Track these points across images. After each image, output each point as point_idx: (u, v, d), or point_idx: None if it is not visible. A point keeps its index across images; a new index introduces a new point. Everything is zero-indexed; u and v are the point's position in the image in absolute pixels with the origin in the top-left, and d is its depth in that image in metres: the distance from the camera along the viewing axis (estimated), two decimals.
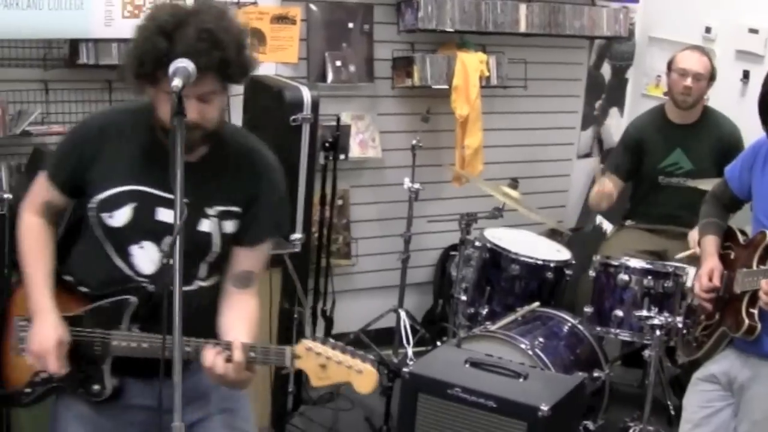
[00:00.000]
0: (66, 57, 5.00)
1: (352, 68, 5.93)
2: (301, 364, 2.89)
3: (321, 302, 5.81)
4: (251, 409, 3.35)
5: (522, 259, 5.40)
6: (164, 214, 3.02)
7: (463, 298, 5.46)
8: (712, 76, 5.69)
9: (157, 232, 3.03)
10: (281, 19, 5.64)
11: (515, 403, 4.10)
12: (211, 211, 3.08)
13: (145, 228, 3.03)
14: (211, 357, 2.89)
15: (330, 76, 5.86)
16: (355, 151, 6.06)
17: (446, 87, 6.10)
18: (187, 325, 2.71)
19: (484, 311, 5.39)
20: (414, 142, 5.69)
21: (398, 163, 6.13)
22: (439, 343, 5.37)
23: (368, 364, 2.84)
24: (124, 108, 3.24)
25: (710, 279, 4.01)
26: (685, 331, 4.30)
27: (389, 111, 6.23)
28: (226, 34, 2.88)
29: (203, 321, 3.07)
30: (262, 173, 3.16)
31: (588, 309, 5.12)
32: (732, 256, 4.05)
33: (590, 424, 4.95)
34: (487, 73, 6.24)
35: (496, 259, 5.43)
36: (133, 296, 3.05)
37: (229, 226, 3.11)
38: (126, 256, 3.06)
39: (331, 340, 2.91)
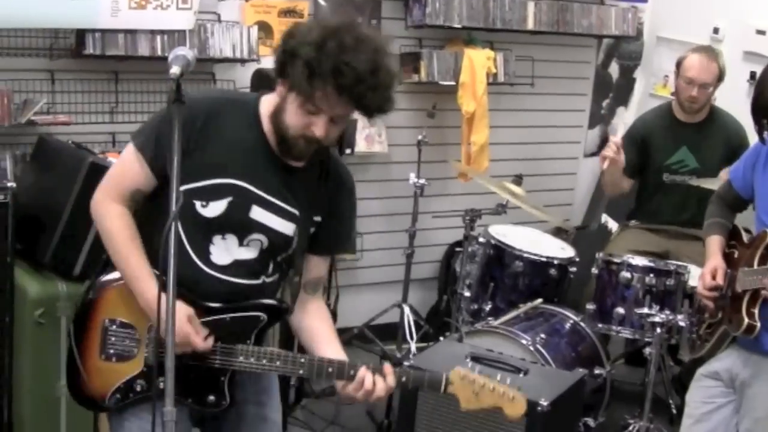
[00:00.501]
0: (72, 47, 5.01)
1: None
2: (453, 389, 3.00)
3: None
4: None
5: (526, 255, 5.38)
6: (258, 214, 3.02)
7: (467, 293, 5.44)
8: (720, 78, 5.65)
9: (244, 229, 3.03)
10: (289, 12, 5.64)
11: None
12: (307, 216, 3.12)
13: (234, 223, 3.02)
14: (370, 379, 2.98)
15: None
16: (361, 145, 6.06)
17: (453, 83, 6.10)
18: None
19: (488, 307, 5.38)
20: (420, 137, 5.68)
21: (404, 158, 6.12)
22: (442, 339, 5.36)
23: (520, 392, 2.95)
24: (228, 97, 3.22)
25: (713, 277, 4.01)
26: (691, 330, 4.30)
27: (396, 106, 6.17)
28: (390, 77, 2.88)
29: None
30: (344, 186, 3.19)
31: (590, 306, 5.10)
32: (736, 255, 4.05)
33: (591, 421, 4.93)
34: (494, 70, 6.25)
35: (500, 255, 5.41)
36: (262, 314, 3.04)
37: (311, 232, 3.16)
38: (204, 246, 3.01)
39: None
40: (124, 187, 3.06)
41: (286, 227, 3.06)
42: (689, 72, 5.60)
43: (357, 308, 6.08)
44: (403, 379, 3.00)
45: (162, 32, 5.08)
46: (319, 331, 3.19)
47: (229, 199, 3.00)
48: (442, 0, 5.92)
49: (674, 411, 5.42)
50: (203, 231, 3.01)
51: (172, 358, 2.33)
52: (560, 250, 5.62)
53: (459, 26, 6.03)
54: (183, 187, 2.88)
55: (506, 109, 6.61)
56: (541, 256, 5.41)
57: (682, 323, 4.66)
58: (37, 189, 4.56)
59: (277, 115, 2.97)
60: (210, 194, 2.99)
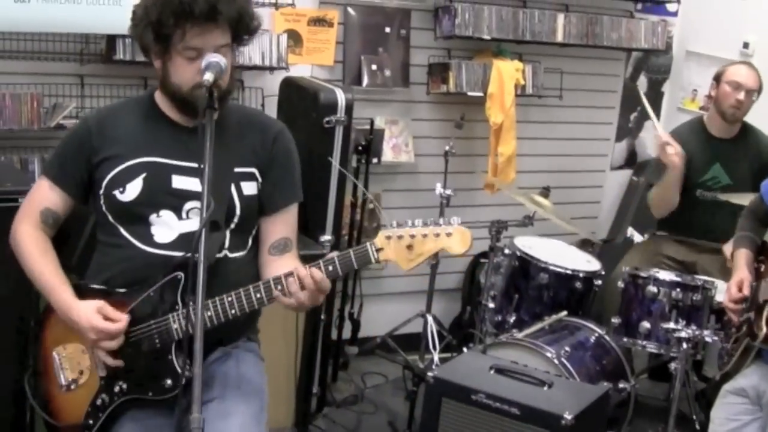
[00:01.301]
0: (102, 52, 5.03)
1: (387, 73, 5.93)
2: (385, 255, 2.83)
3: (349, 305, 5.81)
4: (271, 406, 3.32)
5: (551, 268, 5.37)
6: (180, 181, 3.05)
7: (491, 305, 5.44)
8: (759, 90, 5.64)
9: (174, 200, 3.05)
10: (318, 21, 5.64)
11: (539, 410, 4.07)
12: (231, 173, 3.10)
13: (160, 197, 3.05)
14: (294, 285, 2.88)
15: (365, 80, 5.86)
16: (388, 155, 6.06)
17: (481, 94, 6.09)
18: (215, 294, 2.81)
19: (512, 319, 5.37)
20: (447, 148, 5.67)
21: (431, 168, 6.12)
22: (465, 350, 5.35)
23: (454, 224, 2.79)
24: (124, 100, 3.34)
25: (739, 290, 4.00)
26: (721, 347, 4.29)
27: (423, 116, 6.23)
28: None
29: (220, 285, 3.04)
30: (273, 136, 3.19)
31: (615, 320, 5.08)
32: (763, 269, 4.04)
33: None
34: (522, 82, 6.23)
35: (525, 267, 5.41)
36: (179, 272, 2.98)
37: (248, 187, 3.13)
38: (144, 230, 3.04)
39: (409, 221, 2.84)
40: (33, 209, 3.18)
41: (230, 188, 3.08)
42: (737, 77, 5.58)
43: (380, 317, 6.07)
44: (330, 268, 2.88)
45: None
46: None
47: (143, 175, 3.05)
48: (472, 11, 5.91)
49: (698, 427, 5.39)
50: (135, 216, 3.05)
51: (199, 364, 2.32)
52: (586, 263, 5.60)
53: (488, 38, 6.02)
54: (102, 185, 3.06)
55: (534, 121, 6.60)
56: (567, 269, 5.39)
57: (708, 339, 4.63)
58: None
59: (164, 84, 3.05)
60: (123, 179, 3.06)
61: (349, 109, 5.04)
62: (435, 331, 5.74)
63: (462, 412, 4.22)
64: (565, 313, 5.29)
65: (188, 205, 3.05)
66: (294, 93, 5.25)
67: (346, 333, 5.84)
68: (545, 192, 5.63)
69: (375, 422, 5.50)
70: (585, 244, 6.44)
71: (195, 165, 3.03)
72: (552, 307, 5.35)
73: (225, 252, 3.11)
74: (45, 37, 4.92)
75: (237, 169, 3.11)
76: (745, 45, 6.44)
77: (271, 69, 5.42)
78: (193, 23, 2.89)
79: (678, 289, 4.96)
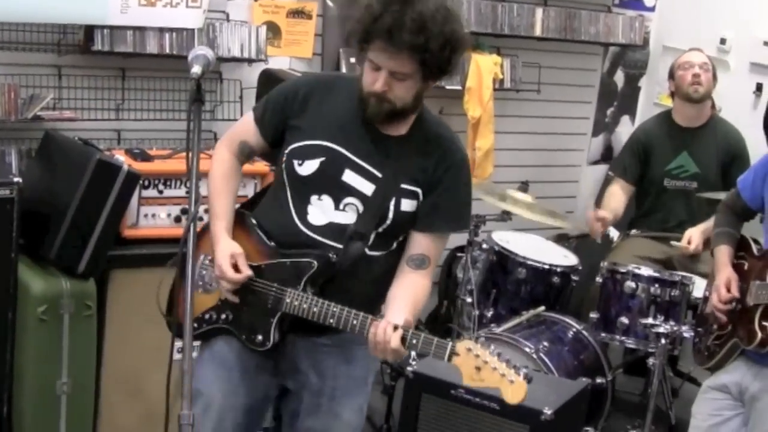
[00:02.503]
0: (80, 43, 4.98)
1: None
2: (457, 361, 2.97)
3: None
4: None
5: (529, 263, 5.39)
6: (351, 177, 3.19)
7: (469, 300, 5.45)
8: (714, 75, 5.75)
9: (338, 191, 3.20)
10: (297, 13, 5.63)
11: (519, 405, 4.05)
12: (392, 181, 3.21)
13: (328, 183, 3.20)
14: (380, 332, 3.03)
15: (344, 72, 5.84)
16: None
17: (459, 88, 6.08)
18: (345, 288, 3.06)
19: (489, 314, 5.39)
20: None
21: None
22: None
23: (521, 376, 2.93)
24: (341, 74, 3.47)
25: (728, 290, 4.00)
26: (696, 340, 4.29)
27: None
28: (435, 24, 2.98)
29: (360, 289, 3.23)
30: (449, 162, 3.25)
31: (594, 315, 5.11)
32: (745, 267, 4.04)
33: (591, 431, 4.93)
34: (500, 76, 6.24)
35: (503, 262, 5.43)
36: (315, 261, 3.17)
37: (406, 204, 3.22)
38: (303, 206, 3.22)
39: (492, 346, 2.97)
40: (233, 138, 3.43)
41: (368, 187, 3.20)
42: (684, 58, 5.82)
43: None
44: (414, 341, 3.01)
45: (171, 30, 5.06)
46: (395, 294, 3.24)
47: (322, 159, 3.20)
48: (451, 5, 5.90)
49: (673, 422, 5.42)
50: (302, 190, 3.24)
51: (189, 359, 2.32)
52: (563, 257, 5.62)
53: (466, 31, 6.01)
54: (287, 149, 3.26)
55: (511, 115, 6.60)
56: (544, 264, 5.42)
57: (686, 334, 4.66)
58: (43, 185, 4.53)
59: (359, 79, 3.16)
60: (305, 154, 3.22)
61: None
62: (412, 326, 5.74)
63: (442, 407, 4.22)
64: (542, 308, 5.31)
65: (348, 199, 3.20)
66: (273, 85, 5.13)
67: None
68: (524, 187, 5.65)
69: None
70: (561, 239, 6.46)
71: (371, 169, 3.19)
72: (530, 301, 5.38)
73: (365, 250, 3.24)
74: (22, 27, 4.87)
75: (403, 186, 3.21)
76: (722, 41, 6.47)
77: (250, 61, 5.40)
78: (373, 38, 3.02)
79: (656, 285, 4.99)
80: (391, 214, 3.21)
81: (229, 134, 3.48)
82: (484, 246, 5.47)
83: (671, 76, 5.85)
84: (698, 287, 4.90)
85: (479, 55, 6.15)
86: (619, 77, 7.16)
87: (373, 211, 3.19)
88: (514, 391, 2.95)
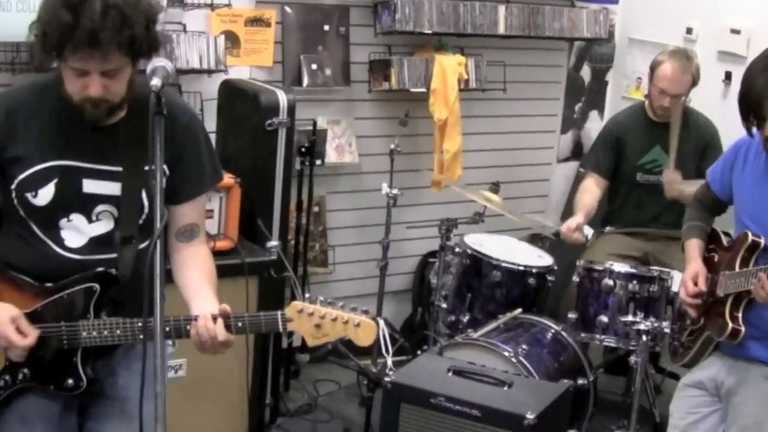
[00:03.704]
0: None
1: (328, 71, 5.90)
2: (293, 326, 2.94)
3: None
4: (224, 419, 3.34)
5: (503, 265, 5.38)
6: (91, 185, 3.05)
7: (444, 305, 5.44)
8: (693, 84, 5.73)
9: (84, 204, 3.06)
10: (256, 21, 5.61)
11: (500, 411, 4.08)
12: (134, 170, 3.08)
13: (71, 202, 3.05)
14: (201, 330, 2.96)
15: (306, 80, 5.83)
16: (331, 156, 6.03)
17: (424, 90, 6.08)
18: (136, 294, 2.76)
19: (465, 319, 5.38)
20: (392, 146, 5.67)
21: (376, 168, 6.09)
22: (419, 352, 5.35)
23: (364, 316, 2.89)
24: (28, 86, 3.20)
25: (695, 283, 4.01)
26: (672, 338, 4.30)
27: (366, 115, 6.21)
28: (134, 11, 2.87)
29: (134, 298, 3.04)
30: (180, 129, 3.14)
31: (572, 315, 5.10)
32: (716, 259, 4.05)
33: None
34: (465, 76, 6.23)
35: (477, 265, 5.42)
36: (94, 283, 3.05)
37: None
38: (55, 233, 3.07)
39: (321, 298, 2.94)
40: None
41: (114, 188, 3.07)
42: (662, 83, 5.66)
43: None
44: (239, 324, 2.97)
45: None
46: (190, 280, 3.18)
47: (55, 180, 3.03)
48: (412, 5, 5.90)
49: (658, 420, 5.42)
50: (47, 219, 3.07)
51: (163, 382, 2.30)
52: (538, 258, 5.62)
53: (429, 32, 6.01)
54: (13, 184, 3.04)
55: (478, 115, 6.60)
56: (519, 265, 5.41)
57: (667, 330, 4.66)
58: None
59: (61, 88, 3.00)
60: (35, 183, 3.04)
61: (291, 110, 5.04)
62: (387, 335, 5.73)
63: (421, 416, 4.22)
64: (519, 310, 5.31)
65: (98, 208, 3.07)
66: (234, 96, 5.22)
67: (297, 340, 5.81)
68: (495, 188, 5.65)
69: (330, 430, 5.49)
70: (535, 240, 6.46)
71: (105, 167, 3.06)
72: (506, 304, 5.37)
73: (137, 246, 3.13)
74: None
75: (148, 168, 3.03)
76: (689, 30, 6.48)
77: (209, 72, 5.37)
78: (75, 47, 2.84)
79: (634, 281, 4.99)
80: (146, 203, 3.10)
81: None
82: (457, 250, 5.46)
83: (651, 71, 5.77)
84: (677, 282, 4.89)
85: (443, 55, 6.15)
86: (586, 72, 7.18)
87: (130, 208, 3.08)
88: (363, 333, 2.93)
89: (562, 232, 5.63)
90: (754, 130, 3.67)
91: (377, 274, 5.79)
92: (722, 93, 6.25)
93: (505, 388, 4.26)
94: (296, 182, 5.52)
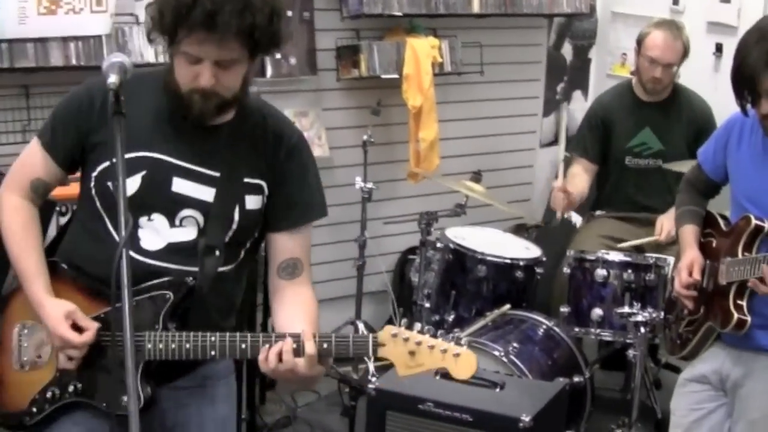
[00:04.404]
0: None
1: (292, 60, 5.90)
2: (385, 352, 2.83)
3: (271, 318, 5.77)
4: None
5: (489, 259, 5.38)
6: (182, 185, 2.99)
7: (427, 305, 5.43)
8: (685, 53, 5.71)
9: (170, 205, 2.98)
10: None
11: (493, 415, 4.09)
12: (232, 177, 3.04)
13: (156, 199, 2.98)
14: (274, 355, 2.85)
15: (269, 70, 5.83)
16: None
17: (396, 76, 6.09)
18: (204, 314, 2.80)
19: (451, 318, 5.37)
20: (365, 137, 5.67)
21: (348, 161, 6.11)
22: None
23: (465, 346, 2.80)
24: (140, 73, 3.13)
25: (690, 273, 3.98)
26: (668, 328, 4.28)
27: (335, 105, 6.21)
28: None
29: (216, 313, 3.07)
30: (288, 145, 3.10)
31: (564, 309, 5.11)
32: (714, 245, 4.01)
33: None
34: (439, 60, 6.24)
35: (460, 260, 5.41)
36: (169, 292, 2.97)
37: (252, 202, 3.06)
38: (132, 230, 2.88)
39: (418, 324, 2.89)
40: (23, 177, 3.12)
41: (207, 193, 3.01)
42: (652, 51, 5.64)
43: None
44: (324, 346, 2.85)
45: (76, 39, 5.01)
46: (283, 321, 3.09)
47: (142, 173, 2.96)
48: None
49: (660, 416, 5.44)
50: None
51: (134, 401, 2.29)
52: (525, 250, 5.62)
53: (399, 14, 6.01)
54: (95, 172, 2.98)
55: (455, 101, 6.61)
56: (505, 258, 5.41)
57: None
58: None
59: (169, 77, 2.95)
60: None
61: None
62: None
63: (409, 424, 4.22)
64: (508, 306, 5.30)
65: (184, 212, 2.99)
66: None
67: None
68: (477, 177, 5.65)
69: None
70: (520, 230, 6.47)
71: (202, 170, 2.99)
72: (493, 301, 5.37)
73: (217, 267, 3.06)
74: None
75: (246, 180, 3.04)
76: (675, 1, 6.51)
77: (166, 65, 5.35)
78: (190, 28, 2.79)
79: (629, 270, 5.00)
80: (237, 217, 3.04)
81: (13, 174, 3.17)
82: (439, 245, 5.46)
83: (638, 45, 5.77)
84: (672, 268, 4.90)
85: (415, 38, 6.15)
86: (567, 50, 7.19)
87: (220, 218, 3.01)
88: (463, 365, 2.81)
89: (554, 188, 5.65)
90: (749, 108, 3.65)
91: (354, 275, 5.80)
92: (713, 66, 6.28)
93: (497, 389, 4.26)
94: None
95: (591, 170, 5.93)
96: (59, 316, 2.93)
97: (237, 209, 3.04)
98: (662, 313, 4.65)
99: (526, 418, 4.01)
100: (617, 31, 6.96)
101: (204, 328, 2.91)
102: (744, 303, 3.74)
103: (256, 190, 3.06)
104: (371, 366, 5.55)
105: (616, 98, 5.99)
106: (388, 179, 6.24)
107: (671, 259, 5.01)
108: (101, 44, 5.06)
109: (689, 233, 4.08)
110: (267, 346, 2.87)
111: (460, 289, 5.42)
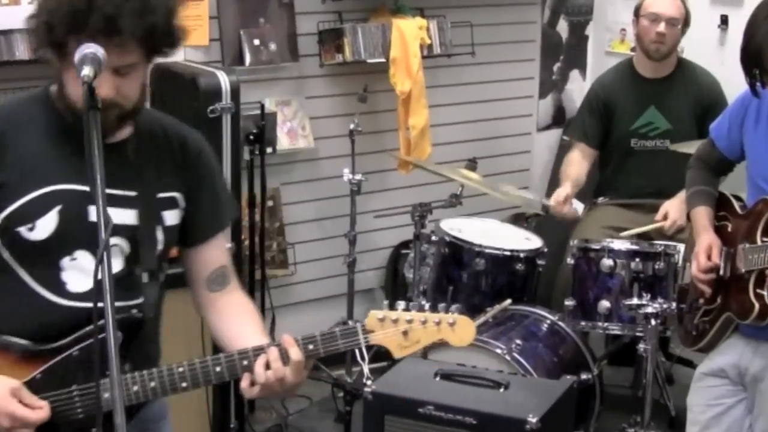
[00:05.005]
0: None
1: (272, 46, 5.88)
2: (377, 338, 2.84)
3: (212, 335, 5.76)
4: None
5: (487, 251, 5.37)
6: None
7: (422, 302, 5.40)
8: (686, 21, 5.70)
9: (92, 237, 2.72)
10: None
11: (498, 417, 4.09)
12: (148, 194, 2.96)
13: (77, 234, 2.84)
14: (261, 368, 2.79)
15: (248, 58, 5.81)
16: (283, 142, 6.01)
17: (383, 60, 6.07)
18: (143, 348, 2.74)
19: None
20: (351, 126, 5.66)
21: (335, 152, 6.10)
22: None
23: (457, 312, 2.82)
24: (15, 100, 3.07)
25: (709, 257, 3.97)
26: (681, 319, 4.27)
27: (319, 93, 6.21)
28: None
29: (153, 342, 3.00)
30: (197, 152, 3.05)
31: (569, 302, 5.10)
32: (729, 229, 3.99)
33: None
34: (428, 41, 6.22)
35: (457, 253, 5.41)
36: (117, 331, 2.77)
37: (170, 217, 2.98)
38: (53, 278, 2.85)
39: (402, 303, 2.88)
40: None
41: (130, 216, 2.90)
42: (653, 6, 5.66)
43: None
44: (311, 347, 2.83)
45: None
46: (234, 331, 3.01)
47: (58, 208, 2.83)
48: None
49: (673, 413, 5.45)
50: (43, 259, 2.85)
51: (122, 413, 2.27)
52: (525, 240, 5.62)
53: None
54: (0, 221, 2.82)
55: (446, 84, 6.61)
56: (504, 250, 5.41)
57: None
58: None
59: (61, 93, 2.86)
60: (32, 213, 2.82)
61: (234, 93, 5.02)
62: None
63: (409, 428, 4.22)
64: (509, 301, 5.28)
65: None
66: (168, 82, 5.18)
67: None
68: (472, 165, 5.64)
69: None
70: (519, 220, 6.47)
71: (116, 192, 2.85)
72: (493, 295, 5.35)
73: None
74: None
75: (160, 195, 2.96)
76: None
77: None
78: (87, 36, 2.68)
79: (637, 259, 5.00)
80: (160, 236, 2.95)
81: None
82: (434, 238, 5.45)
83: (636, 15, 5.78)
84: (681, 255, 4.90)
85: (401, 19, 6.14)
86: (563, 27, 7.19)
87: (147, 240, 2.90)
88: (461, 331, 2.83)
89: (552, 207, 5.62)
90: (758, 87, 3.63)
91: (345, 272, 5.80)
92: (719, 39, 6.28)
93: (502, 390, 4.26)
94: (246, 174, 5.50)
95: (590, 156, 5.92)
96: (5, 394, 2.77)
97: (159, 228, 2.96)
98: (674, 304, 4.64)
99: (533, 419, 4.00)
100: (615, 5, 6.96)
101: (144, 362, 2.84)
102: (765, 292, 3.70)
103: (172, 204, 3.00)
104: (366, 368, 5.56)
105: (617, 77, 5.98)
106: (378, 170, 6.24)
107: (681, 247, 5.00)
108: None
109: (703, 215, 4.06)
110: (245, 363, 2.82)
111: (457, 285, 5.42)
